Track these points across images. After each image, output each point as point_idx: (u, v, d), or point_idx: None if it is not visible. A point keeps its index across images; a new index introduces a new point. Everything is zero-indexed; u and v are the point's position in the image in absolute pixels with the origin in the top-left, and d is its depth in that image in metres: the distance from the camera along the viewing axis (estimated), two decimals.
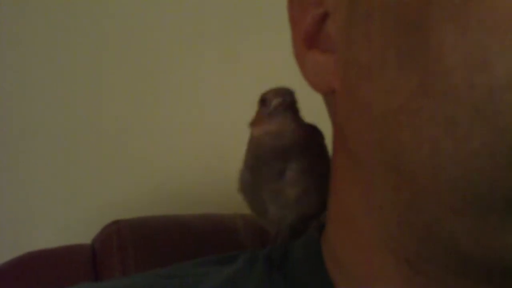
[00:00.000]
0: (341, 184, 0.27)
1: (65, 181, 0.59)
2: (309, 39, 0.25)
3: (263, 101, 0.33)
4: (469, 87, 0.19)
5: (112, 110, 0.60)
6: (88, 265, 0.44)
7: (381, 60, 0.21)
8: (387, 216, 0.24)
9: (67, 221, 0.58)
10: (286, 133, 0.32)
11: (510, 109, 0.18)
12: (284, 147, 0.32)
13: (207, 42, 0.61)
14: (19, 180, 0.58)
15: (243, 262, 0.30)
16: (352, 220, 0.26)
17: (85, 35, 0.59)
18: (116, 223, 0.46)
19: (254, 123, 0.34)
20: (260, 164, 0.33)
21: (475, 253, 0.21)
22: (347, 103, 0.24)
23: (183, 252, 0.44)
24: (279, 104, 0.32)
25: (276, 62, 0.52)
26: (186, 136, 0.61)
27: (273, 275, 0.29)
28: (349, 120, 0.25)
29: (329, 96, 0.27)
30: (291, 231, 0.33)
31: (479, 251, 0.21)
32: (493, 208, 0.20)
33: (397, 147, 0.21)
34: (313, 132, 0.34)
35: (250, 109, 0.34)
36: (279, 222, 0.33)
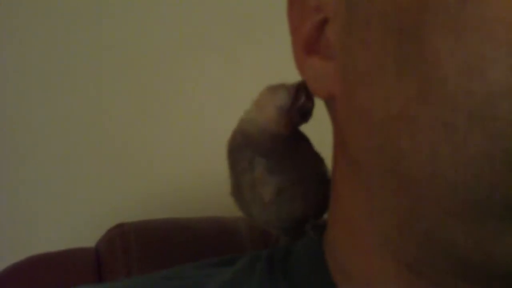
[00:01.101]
0: (341, 189, 0.28)
1: (68, 184, 0.59)
2: (309, 45, 0.25)
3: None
4: (465, 93, 0.19)
5: (116, 114, 0.60)
6: (92, 268, 0.44)
7: (379, 67, 0.22)
8: (387, 221, 0.24)
9: (70, 225, 0.58)
10: (266, 123, 0.30)
11: (506, 115, 0.18)
12: (253, 135, 0.30)
13: (209, 47, 0.62)
14: (22, 183, 0.58)
15: (245, 262, 0.30)
16: (352, 224, 0.27)
17: (87, 39, 0.59)
18: (120, 226, 0.47)
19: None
20: (235, 147, 0.32)
21: (474, 257, 0.21)
22: (347, 109, 0.24)
23: (187, 255, 0.44)
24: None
25: (277, 67, 0.52)
26: (189, 140, 0.61)
27: (275, 275, 0.29)
28: (348, 126, 0.25)
29: (330, 102, 0.27)
30: (286, 233, 0.33)
31: (479, 255, 0.21)
32: (492, 213, 0.20)
33: (396, 153, 0.22)
34: (297, 139, 0.31)
35: None
36: (264, 226, 0.33)
